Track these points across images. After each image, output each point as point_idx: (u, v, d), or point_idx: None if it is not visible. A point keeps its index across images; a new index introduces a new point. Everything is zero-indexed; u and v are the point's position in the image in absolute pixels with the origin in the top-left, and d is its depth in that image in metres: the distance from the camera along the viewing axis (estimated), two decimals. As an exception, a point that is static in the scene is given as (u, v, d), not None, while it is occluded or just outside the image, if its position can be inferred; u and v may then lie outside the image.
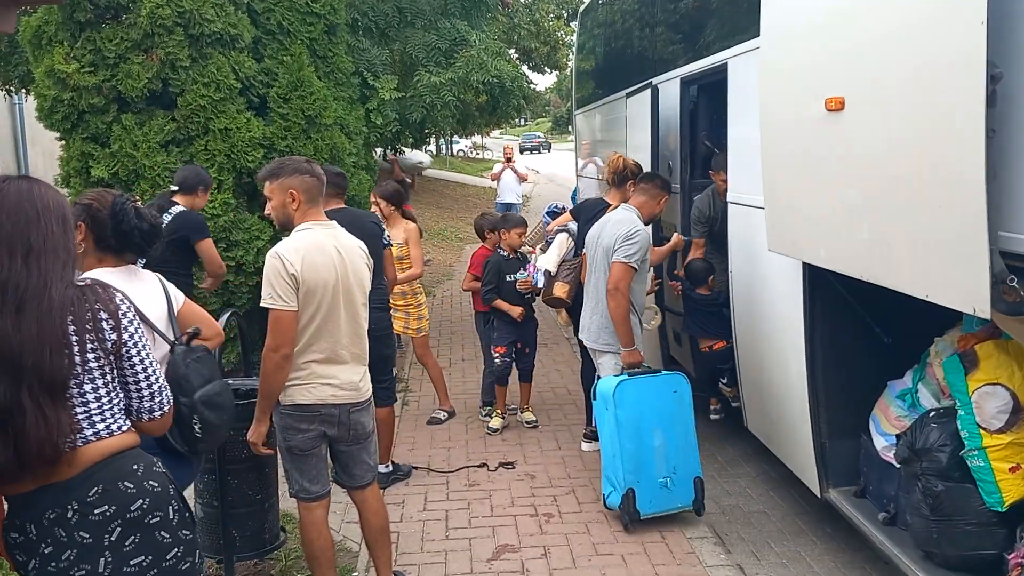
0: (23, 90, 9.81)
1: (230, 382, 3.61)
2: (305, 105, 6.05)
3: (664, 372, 4.36)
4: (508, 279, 5.57)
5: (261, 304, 3.08)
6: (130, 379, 1.97)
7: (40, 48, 5.84)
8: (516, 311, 5.50)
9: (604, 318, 4.44)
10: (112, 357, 1.92)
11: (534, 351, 5.77)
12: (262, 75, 6.18)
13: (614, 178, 4.99)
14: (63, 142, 6.05)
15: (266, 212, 3.25)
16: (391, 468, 4.79)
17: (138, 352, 1.98)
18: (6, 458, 1.75)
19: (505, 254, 5.64)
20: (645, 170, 5.14)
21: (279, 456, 3.36)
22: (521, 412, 5.80)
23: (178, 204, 4.94)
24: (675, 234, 5.27)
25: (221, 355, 3.42)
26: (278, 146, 6.01)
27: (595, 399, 4.36)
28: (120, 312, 1.94)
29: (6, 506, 1.90)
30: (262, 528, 3.50)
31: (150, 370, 2.01)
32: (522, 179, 14.90)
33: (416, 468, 4.95)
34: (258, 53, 6.29)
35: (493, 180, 14.58)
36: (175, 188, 5.00)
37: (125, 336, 1.94)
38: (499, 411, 5.69)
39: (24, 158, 13.51)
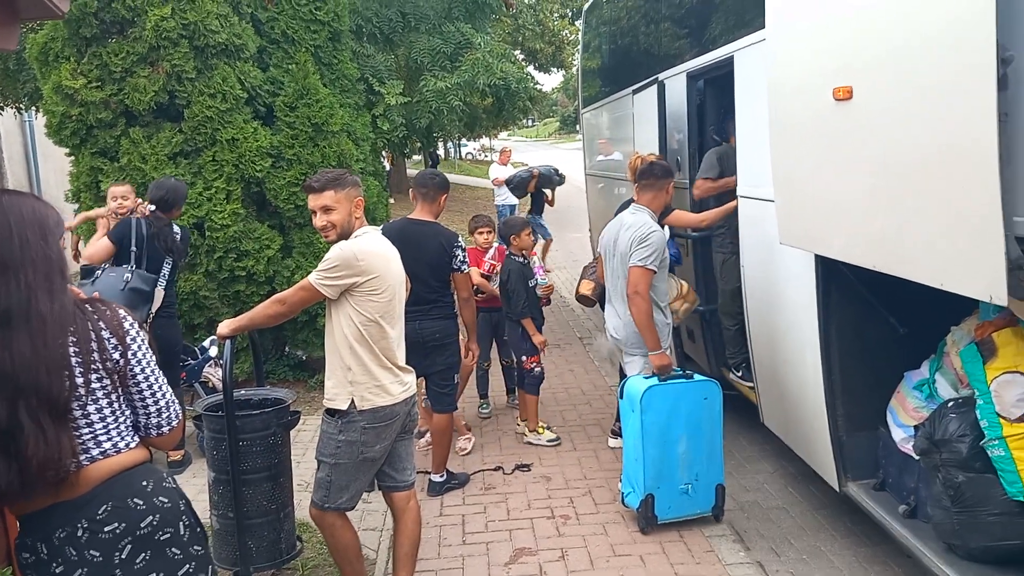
0: (32, 107, 9.89)
1: (242, 392, 3.64)
2: (312, 113, 6.06)
3: (696, 378, 4.23)
4: (531, 285, 5.53)
5: (314, 279, 3.11)
6: (136, 398, 1.95)
7: (47, 65, 5.87)
8: (540, 339, 5.47)
9: (629, 320, 4.40)
10: (116, 376, 1.90)
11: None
12: (268, 84, 6.19)
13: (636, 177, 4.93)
14: (72, 158, 6.08)
15: (319, 224, 3.20)
16: (445, 477, 4.74)
17: (143, 370, 1.95)
18: (9, 479, 1.73)
19: (522, 259, 5.60)
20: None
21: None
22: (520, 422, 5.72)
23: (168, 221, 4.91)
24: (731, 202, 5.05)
25: (233, 364, 3.41)
26: (286, 154, 6.02)
27: (621, 398, 4.31)
28: (124, 330, 1.92)
29: (18, 525, 1.89)
30: (278, 538, 3.49)
31: (156, 387, 1.99)
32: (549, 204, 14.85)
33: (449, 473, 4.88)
34: (263, 62, 6.31)
35: (497, 185, 14.51)
36: (152, 207, 4.88)
37: (130, 355, 1.91)
38: (542, 423, 5.54)
39: (36, 175, 13.61)
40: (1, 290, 1.74)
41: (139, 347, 1.95)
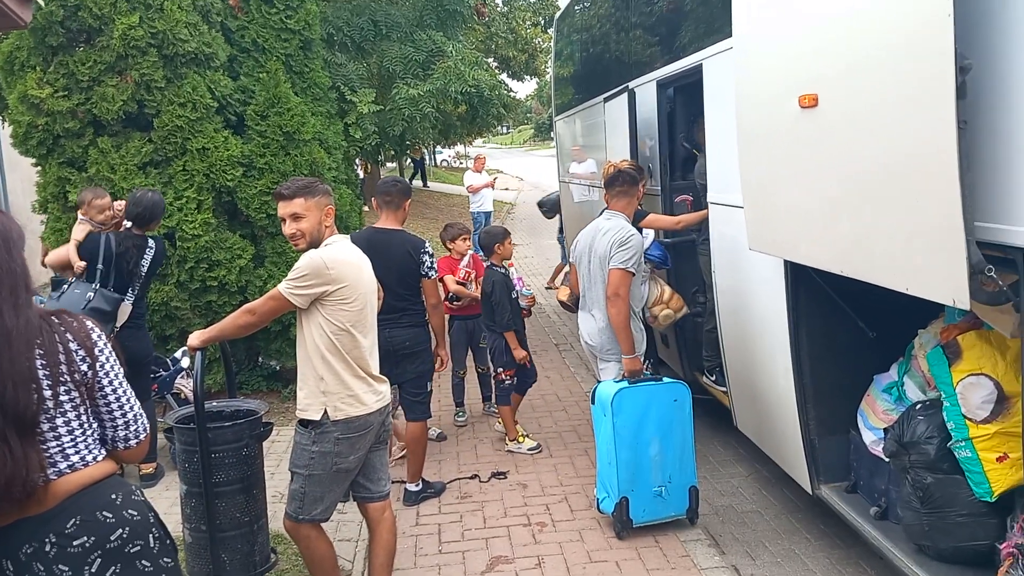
0: (-2, 117, 9.74)
1: (214, 404, 3.61)
2: (283, 121, 6.03)
3: (666, 380, 4.28)
4: (512, 296, 5.52)
5: (283, 289, 3.09)
6: (104, 410, 1.94)
7: (12, 74, 5.79)
8: (521, 354, 5.46)
9: (607, 326, 4.42)
10: (84, 389, 1.88)
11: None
12: (238, 93, 6.15)
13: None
14: (39, 168, 5.99)
15: (288, 232, 3.18)
16: (420, 486, 4.72)
17: (111, 383, 1.94)
18: None
19: (504, 270, 5.60)
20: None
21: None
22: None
23: (140, 235, 4.81)
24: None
25: (204, 376, 3.38)
26: (257, 163, 5.98)
27: (593, 403, 4.33)
28: (92, 342, 1.90)
29: None
30: (252, 550, 3.45)
31: (124, 399, 1.97)
32: (490, 186, 14.90)
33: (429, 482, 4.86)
34: (234, 71, 6.26)
35: (472, 192, 14.52)
36: (128, 224, 4.80)
37: (98, 367, 1.90)
38: (521, 433, 5.52)
39: (3, 185, 13.39)
40: None
41: (107, 359, 1.93)
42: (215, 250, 5.83)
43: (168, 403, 5.47)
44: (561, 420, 5.95)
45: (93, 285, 4.60)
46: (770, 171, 3.60)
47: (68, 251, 4.70)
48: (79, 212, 4.85)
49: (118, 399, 1.96)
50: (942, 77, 2.30)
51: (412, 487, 4.68)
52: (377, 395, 3.24)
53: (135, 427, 2.00)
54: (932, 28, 2.34)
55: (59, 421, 1.84)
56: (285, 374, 6.44)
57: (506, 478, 4.98)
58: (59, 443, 1.84)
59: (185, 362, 5.54)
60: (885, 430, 3.53)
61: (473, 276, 5.92)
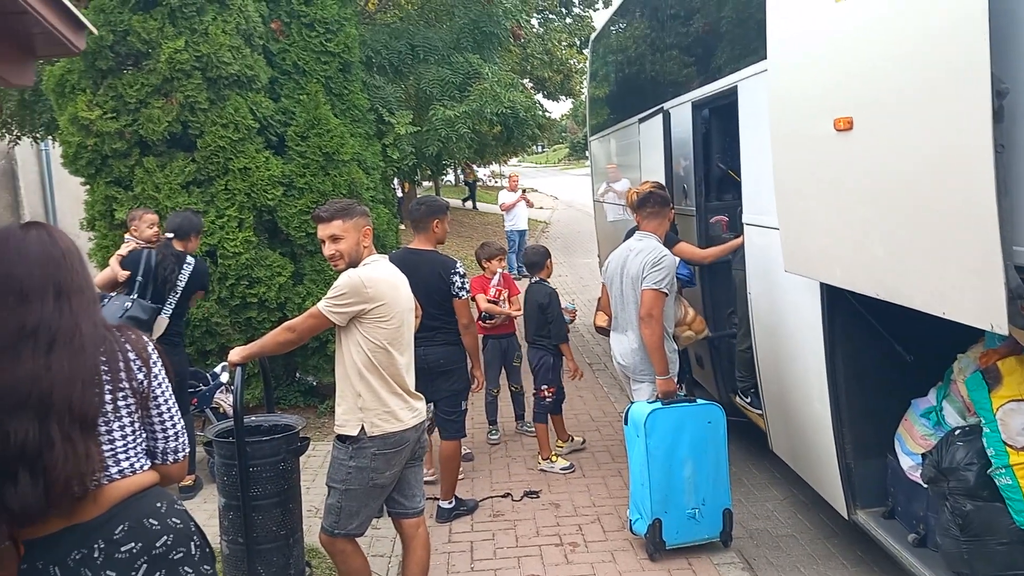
0: (49, 137, 10.05)
1: (253, 418, 3.68)
2: (323, 142, 6.15)
3: (700, 402, 4.27)
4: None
5: (322, 307, 3.16)
6: (156, 421, 2.01)
7: (63, 96, 5.98)
8: (575, 365, 5.61)
9: (639, 346, 4.43)
10: (138, 398, 1.95)
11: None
12: (279, 114, 6.29)
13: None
14: (88, 187, 6.18)
15: (328, 253, 3.26)
16: (454, 503, 4.75)
17: (163, 394, 2.02)
18: (34, 497, 1.77)
19: (551, 286, 5.67)
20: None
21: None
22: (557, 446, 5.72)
23: (181, 251, 5.01)
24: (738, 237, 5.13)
25: (244, 390, 3.45)
26: (297, 183, 6.11)
27: (626, 424, 4.32)
28: (148, 353, 1.98)
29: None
30: (287, 563, 3.50)
31: (172, 412, 2.05)
32: (529, 205, 14.94)
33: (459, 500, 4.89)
34: (275, 93, 6.41)
35: (504, 210, 14.58)
36: (170, 235, 5.02)
37: (152, 377, 1.98)
38: (554, 452, 5.55)
39: (52, 203, 13.78)
40: (55, 315, 1.82)
41: (160, 371, 2.01)
42: (255, 268, 5.95)
43: (207, 417, 5.57)
44: (594, 440, 5.94)
45: (131, 295, 4.76)
46: (805, 193, 3.60)
47: (110, 271, 4.86)
48: (128, 233, 5.02)
49: (169, 411, 2.03)
50: (979, 101, 2.30)
51: (445, 504, 4.71)
52: (413, 412, 3.28)
53: (178, 442, 2.06)
54: (968, 52, 2.34)
55: (115, 426, 1.91)
56: (322, 390, 6.52)
57: (538, 497, 4.98)
58: (112, 447, 1.91)
59: (224, 377, 5.65)
60: (923, 455, 3.48)
61: (506, 295, 5.96)
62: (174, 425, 2.04)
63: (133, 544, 1.89)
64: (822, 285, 3.70)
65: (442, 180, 25.26)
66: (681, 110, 5.66)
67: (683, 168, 5.74)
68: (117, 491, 1.91)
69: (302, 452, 3.57)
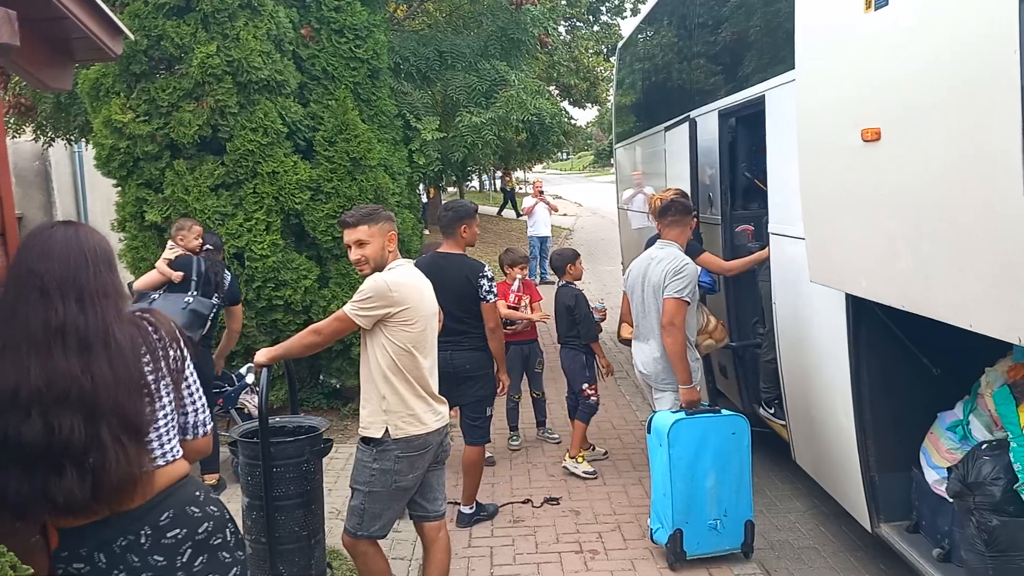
0: (82, 139, 10.23)
1: (277, 419, 3.72)
2: (350, 147, 6.21)
3: (725, 413, 4.24)
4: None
5: (348, 310, 3.20)
6: (186, 397, 2.08)
7: (98, 99, 6.10)
8: (606, 361, 5.70)
9: (661, 355, 4.42)
10: (174, 377, 2.02)
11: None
12: (308, 119, 6.36)
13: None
14: (119, 188, 6.28)
15: (354, 258, 3.30)
16: (474, 509, 4.76)
17: (190, 371, 2.09)
18: (81, 492, 1.82)
19: (578, 288, 5.70)
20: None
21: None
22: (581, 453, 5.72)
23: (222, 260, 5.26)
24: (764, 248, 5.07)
25: (269, 391, 3.50)
26: (324, 188, 6.17)
27: (648, 433, 4.31)
28: (176, 334, 2.05)
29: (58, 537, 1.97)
30: (309, 564, 3.54)
31: (197, 386, 2.12)
32: (553, 210, 14.92)
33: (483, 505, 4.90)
34: (304, 98, 6.48)
35: (526, 215, 14.59)
36: (210, 248, 5.24)
37: (183, 356, 2.05)
38: (580, 453, 5.58)
39: (84, 204, 14.01)
40: (80, 318, 1.85)
41: (184, 347, 2.08)
42: (282, 270, 6.02)
43: (232, 418, 5.63)
44: (616, 448, 5.93)
45: (191, 292, 4.89)
46: (831, 203, 3.58)
47: (158, 274, 4.95)
48: (174, 240, 5.13)
49: (195, 384, 2.10)
50: (1008, 112, 2.28)
51: (466, 510, 4.72)
52: (437, 415, 3.31)
53: (205, 415, 2.14)
54: (997, 63, 2.33)
55: (160, 413, 1.98)
56: (345, 392, 6.57)
57: (559, 504, 4.98)
58: (157, 432, 1.98)
59: (250, 378, 5.71)
60: (949, 469, 3.44)
61: (527, 301, 5.98)
62: (201, 398, 2.12)
63: (178, 530, 1.96)
64: (848, 295, 3.68)
65: (467, 186, 25.34)
66: (708, 119, 5.65)
67: (709, 177, 5.73)
68: (161, 481, 1.97)
69: (326, 453, 3.61)
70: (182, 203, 5.91)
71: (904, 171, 2.93)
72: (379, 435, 3.21)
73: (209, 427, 2.16)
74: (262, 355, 3.40)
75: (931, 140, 2.75)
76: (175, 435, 2.04)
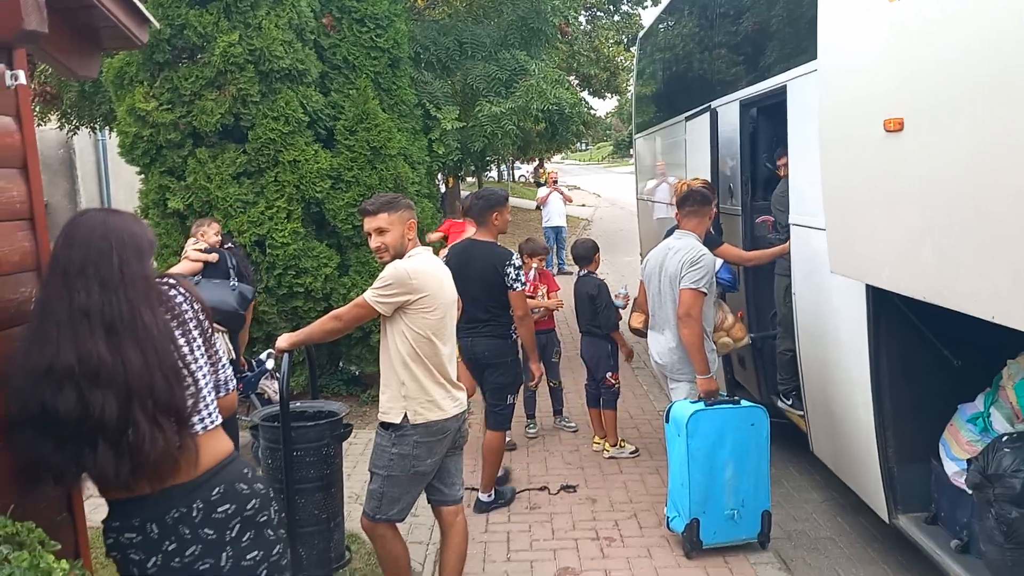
0: (106, 127, 10.34)
1: (297, 404, 3.76)
2: (370, 136, 6.24)
3: (744, 404, 4.23)
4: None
5: (369, 297, 3.23)
6: (213, 356, 2.11)
7: (122, 88, 6.16)
8: (628, 349, 5.73)
9: (677, 345, 4.43)
10: (204, 337, 2.07)
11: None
12: (329, 108, 6.40)
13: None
14: (142, 176, 6.35)
15: (374, 246, 3.33)
16: (492, 497, 4.80)
17: (212, 330, 2.13)
18: (120, 470, 1.87)
19: (599, 278, 5.73)
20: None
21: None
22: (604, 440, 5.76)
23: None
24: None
25: (290, 376, 3.54)
26: (345, 176, 6.21)
27: (667, 423, 4.32)
28: (196, 294, 2.09)
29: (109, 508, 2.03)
30: (328, 547, 3.59)
31: (218, 342, 2.16)
32: (567, 201, 14.87)
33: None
34: (325, 87, 6.52)
35: (540, 204, 14.56)
36: (232, 245, 5.35)
37: (207, 315, 2.09)
38: (620, 439, 5.66)
39: (107, 192, 14.17)
40: (105, 305, 1.89)
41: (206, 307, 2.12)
42: (302, 258, 6.06)
43: (252, 403, 5.69)
44: (633, 438, 5.93)
45: (233, 279, 4.99)
46: (853, 194, 3.56)
47: (189, 263, 5.00)
48: (195, 237, 5.20)
49: (217, 342, 2.14)
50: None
51: (484, 497, 4.75)
52: (455, 401, 3.34)
53: (229, 371, 2.18)
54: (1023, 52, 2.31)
55: (199, 375, 2.02)
56: (364, 379, 6.63)
57: (575, 492, 5.01)
58: (200, 395, 2.01)
59: (270, 364, 5.75)
60: (968, 461, 3.42)
61: (544, 291, 6.00)
62: (225, 354, 2.18)
63: (228, 506, 2.01)
64: (868, 287, 3.67)
65: (486, 176, 25.33)
66: (729, 109, 5.63)
67: (729, 167, 5.71)
68: (208, 455, 2.02)
69: (345, 438, 3.65)
70: (204, 191, 5.97)
71: (928, 162, 2.91)
72: (398, 420, 3.24)
73: (233, 383, 2.20)
74: (284, 340, 3.44)
75: (957, 130, 2.73)
76: (212, 399, 2.07)
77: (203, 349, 2.05)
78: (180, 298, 2.04)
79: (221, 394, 2.14)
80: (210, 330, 2.10)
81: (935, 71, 2.85)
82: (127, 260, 1.94)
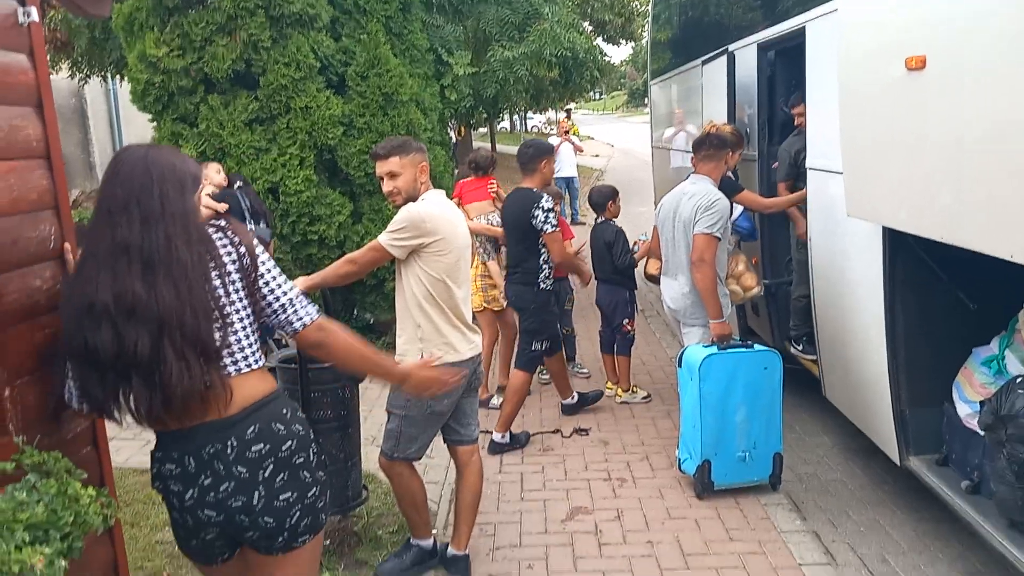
0: (117, 75, 10.28)
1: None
2: (382, 82, 6.18)
3: (757, 348, 4.23)
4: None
5: (383, 240, 3.23)
6: (268, 295, 2.07)
7: (132, 34, 6.11)
8: (656, 266, 5.63)
9: (690, 290, 4.42)
10: (247, 281, 2.03)
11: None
12: (340, 54, 6.33)
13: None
14: (155, 123, 6.34)
15: (386, 189, 3.32)
16: (507, 439, 4.88)
17: (268, 270, 2.08)
18: (152, 404, 1.91)
19: (617, 225, 5.74)
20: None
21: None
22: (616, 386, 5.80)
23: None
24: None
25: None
26: (357, 123, 6.17)
27: (679, 366, 4.35)
28: (245, 236, 2.06)
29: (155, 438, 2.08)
30: (345, 486, 3.66)
31: (280, 281, 2.10)
32: (578, 151, 14.70)
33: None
34: (336, 32, 6.44)
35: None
36: (242, 183, 5.36)
37: (260, 264, 2.05)
38: (633, 385, 5.74)
39: (119, 140, 14.15)
40: (145, 239, 1.90)
41: (265, 254, 2.10)
42: (316, 206, 6.07)
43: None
44: (645, 383, 5.98)
45: (249, 221, 5.02)
46: (872, 135, 3.52)
47: (204, 210, 5.05)
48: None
49: (276, 282, 2.09)
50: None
51: (498, 437, 4.82)
52: (470, 344, 3.37)
53: (293, 310, 2.11)
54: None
55: (234, 317, 2.01)
56: (379, 326, 6.68)
57: (588, 435, 5.07)
58: (236, 337, 2.01)
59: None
60: (981, 403, 3.44)
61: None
62: (286, 292, 2.10)
63: (263, 445, 2.03)
64: (885, 230, 3.64)
65: (497, 126, 25.08)
66: (746, 52, 5.53)
67: (746, 112, 5.63)
68: (245, 393, 2.03)
69: (362, 380, 3.69)
70: (217, 138, 5.96)
71: (950, 99, 2.86)
72: None
73: (308, 319, 2.12)
74: (300, 283, 3.45)
75: (978, 67, 2.68)
76: (253, 343, 2.06)
77: (242, 293, 2.03)
78: (224, 240, 2.02)
79: (297, 327, 2.10)
80: (258, 276, 2.06)
81: (958, 7, 2.78)
82: (167, 194, 1.95)
